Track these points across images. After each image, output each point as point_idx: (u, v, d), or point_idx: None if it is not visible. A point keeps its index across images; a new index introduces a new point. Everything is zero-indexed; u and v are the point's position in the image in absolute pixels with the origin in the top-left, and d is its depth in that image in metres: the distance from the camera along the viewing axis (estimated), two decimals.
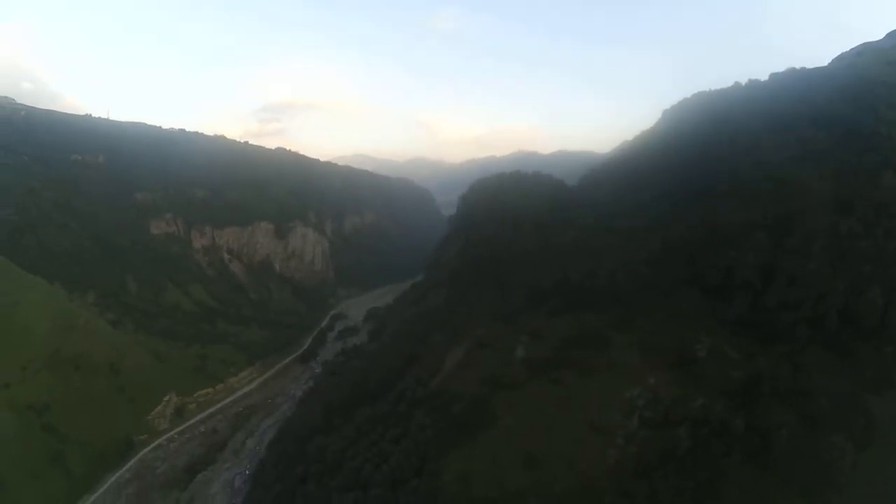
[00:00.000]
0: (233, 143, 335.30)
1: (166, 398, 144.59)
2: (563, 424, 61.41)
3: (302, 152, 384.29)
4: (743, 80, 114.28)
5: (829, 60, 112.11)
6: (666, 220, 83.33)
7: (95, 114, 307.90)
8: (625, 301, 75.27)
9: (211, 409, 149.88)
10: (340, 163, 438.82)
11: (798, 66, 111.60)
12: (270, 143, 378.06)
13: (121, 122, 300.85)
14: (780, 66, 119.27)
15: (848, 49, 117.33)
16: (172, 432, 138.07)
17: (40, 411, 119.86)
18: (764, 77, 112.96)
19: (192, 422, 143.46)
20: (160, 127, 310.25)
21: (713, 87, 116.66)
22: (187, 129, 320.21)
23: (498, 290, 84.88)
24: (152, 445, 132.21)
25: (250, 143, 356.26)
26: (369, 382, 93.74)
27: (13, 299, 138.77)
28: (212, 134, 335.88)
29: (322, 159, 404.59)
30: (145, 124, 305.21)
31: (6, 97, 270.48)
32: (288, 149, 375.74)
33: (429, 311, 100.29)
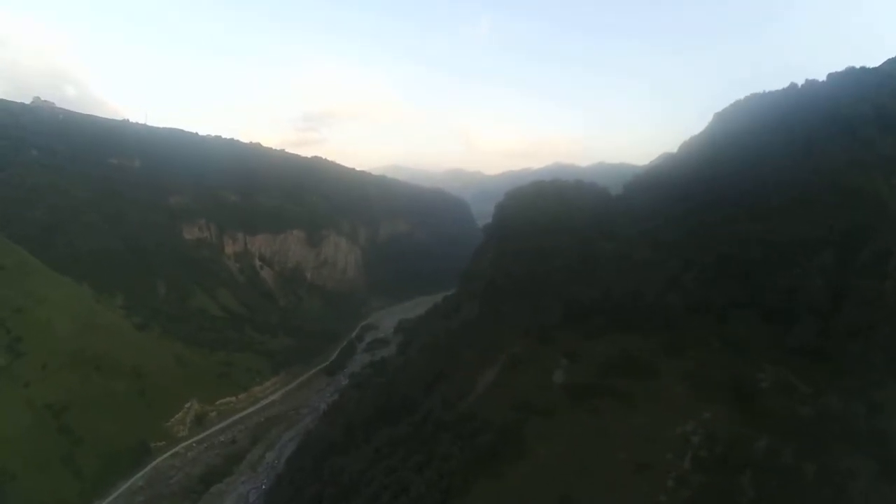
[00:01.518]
0: (268, 151, 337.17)
1: (187, 405, 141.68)
2: (604, 462, 54.13)
3: (339, 162, 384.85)
4: (799, 81, 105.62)
5: (885, 60, 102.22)
6: (718, 235, 75.33)
7: (133, 119, 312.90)
8: (674, 324, 67.60)
9: (232, 419, 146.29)
10: (376, 173, 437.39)
11: (857, 65, 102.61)
12: (308, 153, 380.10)
13: (158, 128, 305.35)
14: (838, 66, 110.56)
15: None
16: (191, 440, 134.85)
17: (58, 412, 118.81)
18: (822, 77, 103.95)
19: (211, 430, 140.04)
20: (196, 133, 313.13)
21: (767, 90, 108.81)
22: (223, 137, 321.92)
23: (534, 304, 78.03)
24: (169, 453, 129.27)
25: (286, 151, 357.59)
26: (393, 399, 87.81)
27: (38, 297, 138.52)
28: (248, 141, 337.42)
29: (358, 169, 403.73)
30: (182, 130, 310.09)
31: (47, 101, 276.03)
32: (324, 157, 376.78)
33: (460, 326, 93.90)
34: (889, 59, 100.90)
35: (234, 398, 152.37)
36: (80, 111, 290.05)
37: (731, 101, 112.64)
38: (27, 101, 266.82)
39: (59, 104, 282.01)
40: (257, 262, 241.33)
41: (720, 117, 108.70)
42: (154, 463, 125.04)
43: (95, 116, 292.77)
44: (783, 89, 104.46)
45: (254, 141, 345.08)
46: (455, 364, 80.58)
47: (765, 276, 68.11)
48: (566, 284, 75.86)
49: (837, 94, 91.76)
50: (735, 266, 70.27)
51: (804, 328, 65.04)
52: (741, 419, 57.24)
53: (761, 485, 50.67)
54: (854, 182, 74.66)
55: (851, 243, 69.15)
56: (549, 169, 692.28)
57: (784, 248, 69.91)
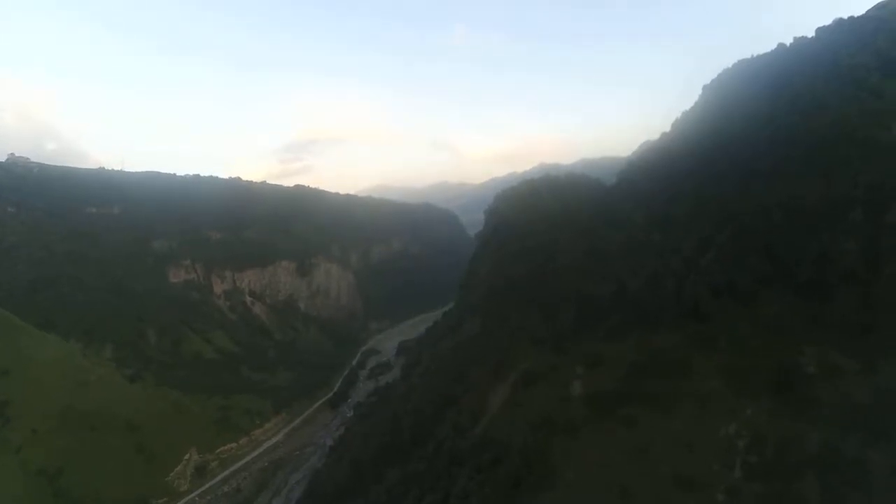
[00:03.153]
0: (249, 185, 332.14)
1: (186, 456, 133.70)
2: (642, 478, 47.45)
3: (324, 188, 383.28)
4: (786, 41, 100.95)
5: (871, 6, 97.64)
6: (733, 206, 68.87)
7: (108, 166, 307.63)
8: (699, 312, 60.93)
9: (234, 466, 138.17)
10: (362, 195, 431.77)
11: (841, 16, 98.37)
12: (293, 182, 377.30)
13: (135, 173, 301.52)
14: (814, 23, 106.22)
15: None
16: (193, 494, 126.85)
17: (52, 475, 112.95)
18: (809, 33, 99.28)
19: (214, 482, 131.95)
20: (174, 174, 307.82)
21: (753, 55, 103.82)
22: (202, 175, 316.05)
23: (541, 309, 71.43)
24: None
25: (268, 183, 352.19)
26: (401, 433, 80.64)
27: (24, 358, 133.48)
28: (227, 177, 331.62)
29: (343, 193, 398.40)
30: (159, 173, 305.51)
31: (22, 157, 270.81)
32: (308, 186, 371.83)
33: (464, 342, 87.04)
34: (875, 5, 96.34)
35: (234, 444, 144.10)
36: (60, 164, 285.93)
37: (714, 73, 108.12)
38: (2, 158, 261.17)
39: (39, 160, 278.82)
40: (248, 298, 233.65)
41: (710, 88, 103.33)
42: None
43: (70, 167, 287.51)
44: (772, 51, 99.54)
45: (237, 176, 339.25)
46: (463, 385, 73.73)
47: (790, 247, 61.59)
48: (575, 283, 69.34)
49: (833, 46, 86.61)
50: (756, 239, 63.73)
51: (843, 300, 58.43)
52: (789, 412, 50.46)
53: (826, 488, 43.99)
54: (870, 132, 68.66)
55: (879, 198, 62.80)
56: (534, 171, 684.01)
57: (807, 212, 63.48)
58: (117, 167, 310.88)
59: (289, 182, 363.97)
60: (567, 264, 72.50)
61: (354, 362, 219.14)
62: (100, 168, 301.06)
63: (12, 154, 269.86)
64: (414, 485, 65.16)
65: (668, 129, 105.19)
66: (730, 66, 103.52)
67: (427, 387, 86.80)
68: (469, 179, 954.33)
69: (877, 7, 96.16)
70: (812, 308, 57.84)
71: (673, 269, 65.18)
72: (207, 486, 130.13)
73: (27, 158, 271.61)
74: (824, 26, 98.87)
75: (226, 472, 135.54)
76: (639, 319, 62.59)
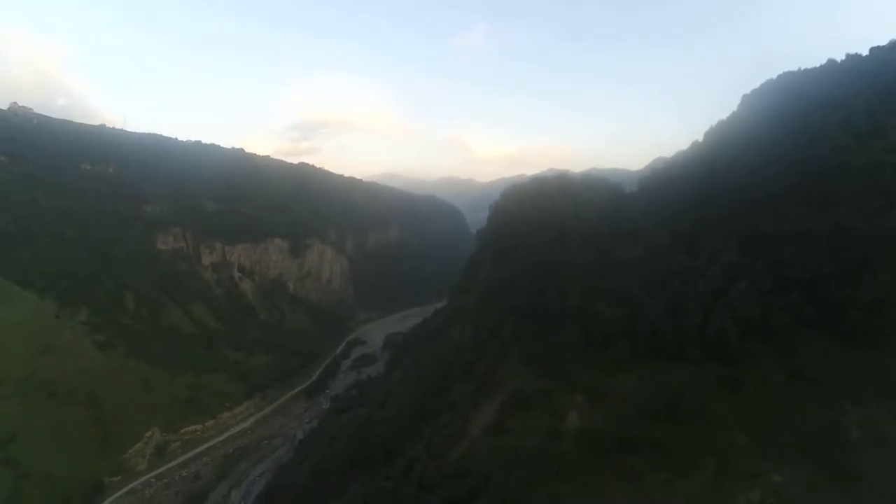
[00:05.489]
0: (251, 157, 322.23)
1: (148, 434, 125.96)
2: None
3: (330, 170, 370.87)
4: (837, 58, 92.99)
5: None
6: (770, 233, 60.37)
7: (111, 124, 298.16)
8: (725, 350, 52.27)
9: (197, 450, 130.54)
10: (366, 181, 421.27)
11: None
12: (298, 162, 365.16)
13: (135, 133, 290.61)
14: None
15: None
16: (150, 475, 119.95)
17: (5, 443, 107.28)
18: (864, 52, 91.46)
19: (173, 464, 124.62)
20: (176, 139, 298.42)
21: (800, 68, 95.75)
22: (203, 142, 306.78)
23: (540, 324, 62.92)
24: (124, 490, 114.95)
25: (272, 158, 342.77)
26: (371, 442, 72.30)
27: None
28: (230, 147, 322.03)
29: (346, 176, 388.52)
30: (160, 135, 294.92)
31: (24, 107, 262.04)
32: (312, 165, 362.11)
33: (450, 350, 78.57)
34: None
35: (200, 426, 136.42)
36: (61, 118, 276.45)
37: (755, 83, 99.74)
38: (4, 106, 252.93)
39: (51, 114, 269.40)
40: (236, 274, 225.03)
41: (751, 98, 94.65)
42: (107, 502, 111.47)
43: (70, 121, 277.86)
44: (822, 65, 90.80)
45: (237, 147, 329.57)
46: (444, 399, 65.25)
47: (838, 284, 52.89)
48: (581, 298, 60.78)
49: (893, 65, 78.07)
50: (797, 271, 55.02)
51: None
52: (824, 484, 42.11)
53: None
54: None
55: None
56: (544, 175, 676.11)
57: (860, 246, 54.85)
58: (118, 126, 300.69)
59: (295, 160, 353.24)
60: (574, 276, 63.90)
61: (338, 351, 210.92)
62: (100, 125, 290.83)
63: (14, 103, 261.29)
64: None
65: (700, 139, 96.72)
66: (774, 77, 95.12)
67: (405, 395, 78.36)
68: (477, 177, 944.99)
69: None
70: (860, 359, 49.16)
71: (698, 296, 56.50)
72: (165, 468, 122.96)
73: (29, 109, 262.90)
74: (879, 46, 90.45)
75: (187, 455, 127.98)
76: (653, 350, 54.13)
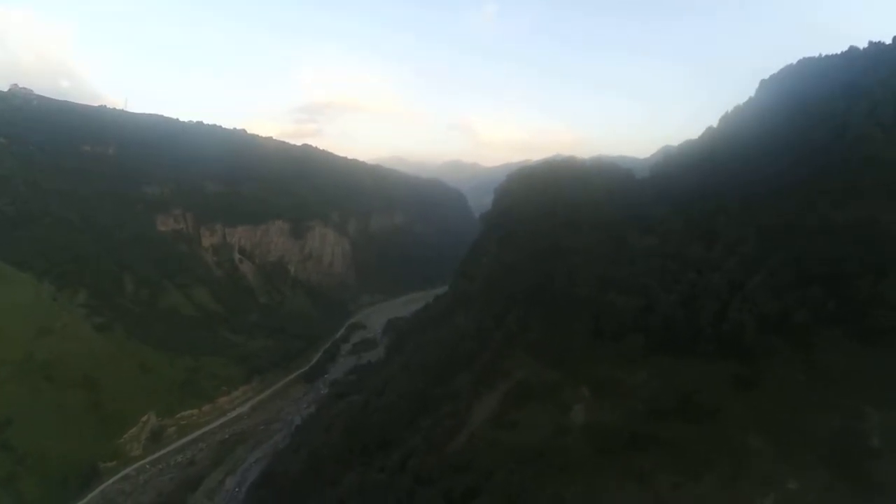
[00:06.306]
0: (253, 138, 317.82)
1: (144, 418, 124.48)
2: None
3: (336, 153, 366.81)
4: (859, 45, 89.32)
5: None
6: (791, 224, 57.36)
7: (112, 105, 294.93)
8: (742, 346, 49.53)
9: (193, 435, 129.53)
10: (370, 163, 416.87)
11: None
12: (302, 143, 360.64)
13: (136, 114, 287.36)
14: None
15: None
16: (145, 461, 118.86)
17: (1, 426, 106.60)
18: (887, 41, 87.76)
19: (168, 449, 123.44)
20: (177, 119, 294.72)
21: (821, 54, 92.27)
22: (205, 123, 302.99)
23: (546, 312, 60.40)
24: (119, 475, 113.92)
25: (275, 139, 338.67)
26: (368, 431, 70.21)
27: None
28: (232, 128, 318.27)
29: (350, 158, 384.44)
30: (161, 116, 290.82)
31: (24, 88, 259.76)
32: (316, 147, 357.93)
33: (452, 337, 76.19)
34: None
35: (196, 410, 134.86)
36: (61, 99, 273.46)
37: (774, 69, 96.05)
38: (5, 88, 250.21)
39: (53, 96, 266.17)
40: (236, 256, 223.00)
41: (770, 83, 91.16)
42: (101, 487, 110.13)
43: (70, 102, 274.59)
44: (844, 52, 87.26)
45: (240, 128, 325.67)
46: (444, 389, 62.96)
47: (862, 280, 50.04)
48: (591, 287, 58.13)
49: None
50: (819, 266, 52.16)
51: None
52: (842, 493, 39.57)
53: None
54: None
55: None
56: (550, 161, 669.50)
57: (887, 240, 51.93)
58: (119, 106, 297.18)
59: (300, 142, 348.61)
60: (584, 263, 61.19)
61: (338, 335, 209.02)
62: (101, 106, 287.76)
63: (14, 85, 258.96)
64: (371, 498, 54.95)
65: (714, 124, 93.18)
66: (794, 62, 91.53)
67: (404, 383, 76.15)
68: (483, 161, 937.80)
69: None
70: (883, 360, 46.29)
71: (714, 289, 53.73)
72: (161, 453, 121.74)
73: (29, 90, 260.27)
74: None
75: (183, 440, 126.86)
76: (666, 344, 51.48)
